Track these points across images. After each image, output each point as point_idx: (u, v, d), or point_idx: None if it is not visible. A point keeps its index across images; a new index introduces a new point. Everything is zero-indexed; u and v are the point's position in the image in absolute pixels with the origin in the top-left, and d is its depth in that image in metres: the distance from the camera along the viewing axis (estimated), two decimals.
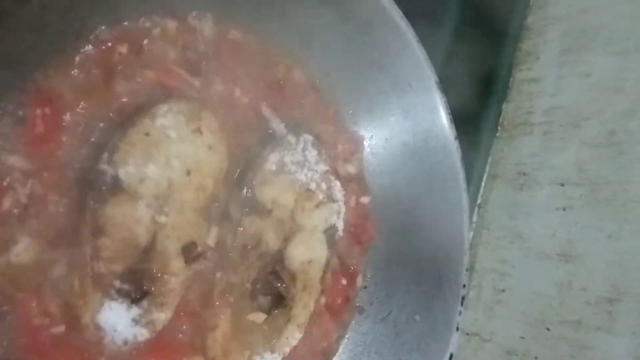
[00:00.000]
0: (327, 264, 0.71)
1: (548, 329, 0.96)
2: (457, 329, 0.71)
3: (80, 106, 0.55)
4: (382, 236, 0.77)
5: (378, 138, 0.77)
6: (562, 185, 1.05)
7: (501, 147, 1.19)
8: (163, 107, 0.59)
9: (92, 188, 0.54)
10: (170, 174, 0.58)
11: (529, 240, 1.06)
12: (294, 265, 0.67)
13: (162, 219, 0.57)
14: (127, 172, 0.55)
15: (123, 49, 0.58)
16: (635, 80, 1.02)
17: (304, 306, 0.69)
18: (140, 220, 0.56)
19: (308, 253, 0.68)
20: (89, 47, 0.56)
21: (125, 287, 0.55)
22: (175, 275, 0.59)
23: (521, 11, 1.24)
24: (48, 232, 0.52)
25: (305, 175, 0.69)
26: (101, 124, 0.56)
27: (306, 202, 0.69)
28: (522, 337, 0.99)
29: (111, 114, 0.56)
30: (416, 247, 0.74)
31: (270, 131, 0.69)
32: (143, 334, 0.57)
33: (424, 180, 0.75)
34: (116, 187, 0.54)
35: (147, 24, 0.59)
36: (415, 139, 0.76)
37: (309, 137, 0.71)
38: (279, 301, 0.67)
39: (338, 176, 0.73)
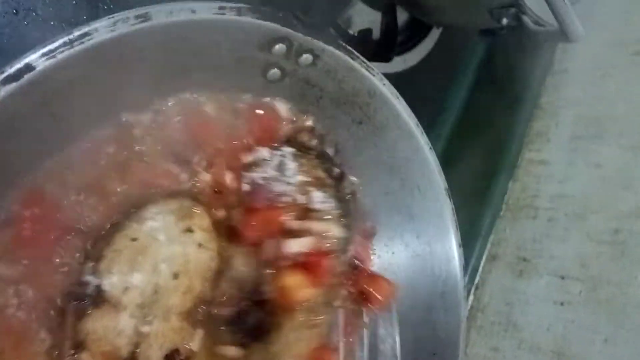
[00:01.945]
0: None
1: None
2: None
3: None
4: (374, 339, 0.75)
5: (381, 236, 0.76)
6: (562, 278, 1.04)
7: (504, 227, 1.18)
8: (152, 209, 0.56)
9: (74, 301, 0.52)
10: (157, 279, 0.54)
11: (523, 331, 1.04)
12: (276, 293, 0.63)
13: (146, 328, 0.54)
14: (111, 282, 0.52)
15: (110, 148, 0.56)
16: None
17: (287, 343, 0.64)
18: (122, 332, 0.53)
19: (293, 280, 0.63)
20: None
21: None
22: None
23: (536, 89, 1.23)
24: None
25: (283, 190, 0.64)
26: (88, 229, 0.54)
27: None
28: None
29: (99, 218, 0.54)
30: (409, 354, 0.73)
31: None
32: None
33: (425, 284, 0.74)
34: (99, 298, 0.52)
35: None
36: (419, 242, 0.75)
37: (288, 150, 0.66)
38: (259, 334, 0.62)
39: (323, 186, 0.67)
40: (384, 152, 0.71)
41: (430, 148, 0.70)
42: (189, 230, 0.57)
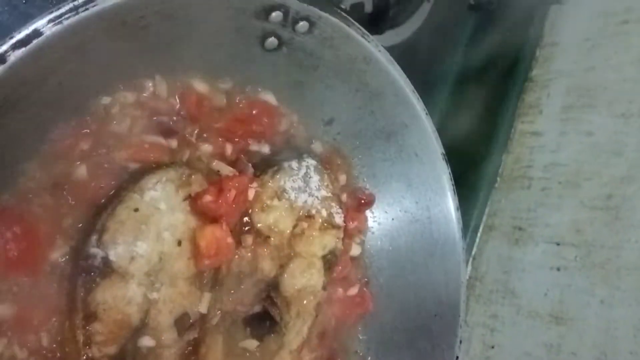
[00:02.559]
0: (324, 289, 0.70)
1: None
2: None
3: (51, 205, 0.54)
4: (378, 301, 0.76)
5: (380, 202, 0.77)
6: (558, 244, 1.05)
7: (499, 199, 1.19)
8: (152, 179, 0.57)
9: (82, 274, 0.53)
10: (161, 247, 0.56)
11: (521, 298, 1.06)
12: (289, 292, 0.67)
13: (154, 295, 0.56)
14: (117, 252, 0.53)
15: (85, 145, 0.56)
16: (636, 145, 1.03)
17: (297, 333, 0.68)
18: (132, 300, 0.54)
19: (304, 280, 0.67)
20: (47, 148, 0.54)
21: None
22: (169, 347, 0.58)
23: (527, 63, 1.25)
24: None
25: (306, 201, 0.67)
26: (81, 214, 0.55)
27: (305, 229, 0.67)
28: None
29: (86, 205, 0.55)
30: (412, 315, 0.75)
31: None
32: None
33: (424, 248, 0.76)
34: (107, 269, 0.53)
35: (105, 103, 0.58)
36: (418, 207, 0.76)
37: (311, 162, 0.69)
38: (272, 327, 0.66)
39: (340, 202, 0.72)
40: (381, 119, 0.72)
41: (427, 114, 0.71)
42: (189, 197, 0.59)
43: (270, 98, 0.70)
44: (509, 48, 1.22)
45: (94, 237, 0.53)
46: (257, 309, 0.65)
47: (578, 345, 0.94)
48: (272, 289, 0.65)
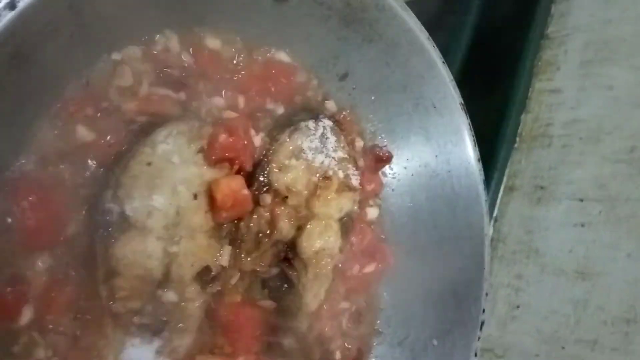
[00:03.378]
0: (341, 252, 0.69)
1: (563, 348, 0.96)
2: (476, 355, 0.70)
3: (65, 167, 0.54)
4: (400, 258, 0.76)
5: (399, 158, 0.76)
6: (581, 200, 1.04)
7: (519, 159, 1.17)
8: (162, 132, 0.56)
9: (99, 230, 0.52)
10: (178, 201, 0.56)
11: (545, 256, 1.05)
12: (306, 253, 0.66)
13: (174, 248, 0.55)
14: (133, 207, 0.53)
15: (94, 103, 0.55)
16: None
17: (314, 295, 0.67)
18: (152, 255, 0.54)
19: (322, 242, 0.66)
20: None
21: (145, 321, 0.54)
22: (192, 301, 0.58)
23: (542, 19, 1.22)
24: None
25: (323, 162, 0.66)
26: (89, 172, 0.55)
27: (322, 190, 0.66)
28: (537, 355, 0.98)
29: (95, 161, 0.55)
30: (436, 270, 0.74)
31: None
32: None
33: (445, 202, 0.75)
34: (124, 224, 0.53)
35: (115, 58, 0.57)
36: (437, 160, 0.75)
37: (328, 123, 0.68)
38: (290, 289, 0.66)
39: (356, 164, 0.71)
40: (397, 70, 0.71)
41: (444, 62, 0.70)
42: (202, 150, 0.58)
43: (283, 56, 0.68)
44: (524, 4, 1.19)
45: (109, 193, 0.53)
46: (274, 270, 0.65)
47: (605, 299, 0.93)
48: (289, 251, 0.65)
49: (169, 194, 0.55)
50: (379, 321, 0.75)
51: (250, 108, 0.65)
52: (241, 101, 0.63)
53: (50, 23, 0.46)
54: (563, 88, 1.15)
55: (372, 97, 0.73)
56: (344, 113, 0.73)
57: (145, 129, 0.56)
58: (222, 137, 0.57)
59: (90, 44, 0.52)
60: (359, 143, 0.74)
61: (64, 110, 0.53)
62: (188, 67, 0.60)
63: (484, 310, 0.71)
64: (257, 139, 0.64)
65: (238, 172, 0.60)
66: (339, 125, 0.70)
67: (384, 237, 0.75)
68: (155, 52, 0.57)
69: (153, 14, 0.56)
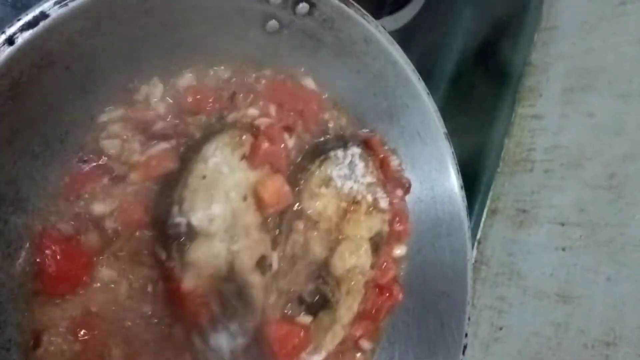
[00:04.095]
0: (372, 268, 0.73)
1: None
2: None
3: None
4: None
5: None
6: (562, 224, 1.06)
7: (502, 182, 1.20)
8: (211, 147, 0.61)
9: (174, 242, 0.57)
10: (231, 205, 0.60)
11: (527, 279, 1.07)
12: (339, 272, 0.69)
13: (235, 247, 0.60)
14: (197, 217, 0.57)
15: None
16: (637, 124, 1.04)
17: (347, 308, 0.71)
18: (218, 255, 0.58)
19: (353, 260, 0.70)
20: None
21: (218, 311, 0.58)
22: (256, 287, 0.61)
23: (525, 48, 1.26)
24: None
25: (352, 187, 0.70)
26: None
27: (352, 214, 0.70)
28: None
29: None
30: (420, 294, 0.75)
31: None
32: (241, 343, 0.60)
33: (429, 227, 0.77)
34: (192, 233, 0.57)
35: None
36: (422, 187, 0.77)
37: (356, 150, 0.72)
38: (325, 304, 0.69)
39: (384, 187, 0.74)
40: (383, 100, 0.73)
41: (428, 94, 0.72)
42: (245, 156, 0.63)
43: (309, 82, 0.72)
44: (508, 32, 1.23)
45: (175, 208, 0.57)
46: (310, 288, 0.68)
47: (586, 322, 0.95)
48: (323, 270, 0.69)
49: (224, 201, 0.59)
50: (363, 344, 0.76)
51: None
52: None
53: (48, 56, 0.47)
54: (545, 114, 1.18)
55: (360, 124, 0.75)
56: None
57: (192, 147, 0.61)
58: (265, 145, 0.63)
59: (89, 74, 0.53)
60: (395, 161, 0.77)
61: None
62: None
63: (466, 334, 0.73)
64: (291, 142, 0.69)
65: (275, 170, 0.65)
66: (367, 150, 0.73)
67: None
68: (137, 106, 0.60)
69: (144, 49, 0.57)
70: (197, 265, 0.57)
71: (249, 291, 0.62)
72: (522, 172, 1.17)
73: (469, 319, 0.73)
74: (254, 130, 0.64)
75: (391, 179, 0.76)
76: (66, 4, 0.45)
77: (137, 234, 0.58)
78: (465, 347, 0.73)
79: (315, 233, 0.68)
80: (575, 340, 0.96)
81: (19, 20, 0.43)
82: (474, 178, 1.19)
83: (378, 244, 0.73)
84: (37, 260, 0.52)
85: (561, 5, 1.28)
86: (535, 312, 1.03)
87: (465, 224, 0.74)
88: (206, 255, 0.58)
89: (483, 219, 1.18)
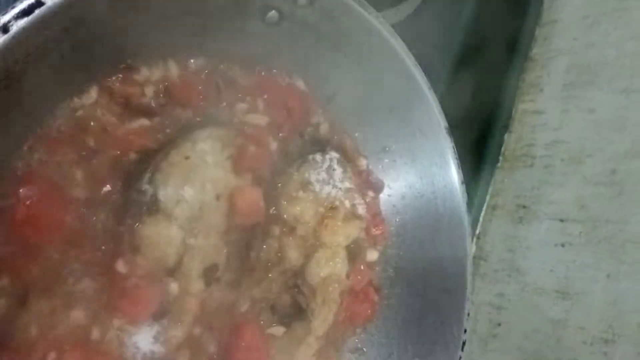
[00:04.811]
0: (348, 278, 0.71)
1: None
2: None
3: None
4: (384, 277, 0.76)
5: (385, 179, 0.77)
6: (562, 221, 1.05)
7: (502, 178, 1.19)
8: (204, 132, 0.60)
9: (132, 207, 0.56)
10: (203, 197, 0.59)
11: (527, 275, 1.06)
12: (315, 280, 0.68)
13: (191, 240, 0.58)
14: (165, 192, 0.56)
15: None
16: (638, 120, 1.03)
17: (323, 319, 0.69)
18: (172, 241, 0.57)
19: (329, 269, 0.69)
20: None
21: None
22: (195, 296, 0.59)
23: (526, 42, 1.25)
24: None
25: (330, 192, 0.69)
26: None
27: (330, 220, 0.69)
28: None
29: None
30: (419, 290, 0.75)
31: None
32: (160, 351, 0.58)
33: (430, 222, 0.76)
34: (154, 207, 0.56)
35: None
36: (422, 182, 0.76)
37: (335, 155, 0.71)
38: (299, 314, 0.68)
39: (362, 194, 0.74)
40: (384, 94, 0.72)
41: (429, 87, 0.71)
42: (231, 157, 0.62)
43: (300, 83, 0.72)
44: (508, 26, 1.21)
45: (147, 175, 0.56)
46: (284, 296, 0.67)
47: (585, 319, 0.95)
48: (298, 278, 0.67)
49: (198, 189, 0.58)
50: (361, 339, 0.75)
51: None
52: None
53: (43, 45, 0.46)
54: (546, 109, 1.17)
55: (359, 119, 0.74)
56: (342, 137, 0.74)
57: (190, 126, 0.61)
58: (251, 149, 0.62)
59: (84, 65, 0.52)
60: (363, 162, 0.76)
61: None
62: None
63: (465, 330, 0.72)
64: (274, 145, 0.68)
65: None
66: (344, 155, 0.73)
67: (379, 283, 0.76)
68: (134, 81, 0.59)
69: (144, 40, 0.56)
70: (145, 243, 0.55)
71: (186, 297, 0.59)
72: (523, 167, 1.17)
73: (468, 315, 0.72)
74: (243, 131, 0.63)
75: (363, 180, 0.75)
76: None
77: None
78: (464, 343, 0.72)
79: (291, 239, 0.67)
80: (574, 337, 0.95)
81: (13, 7, 0.42)
82: (474, 172, 1.18)
83: (354, 252, 0.72)
84: None
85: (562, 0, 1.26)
86: (534, 308, 1.02)
87: (465, 219, 0.74)
88: (159, 236, 0.56)
89: (482, 214, 1.18)
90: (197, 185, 0.58)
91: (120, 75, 0.59)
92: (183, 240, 0.57)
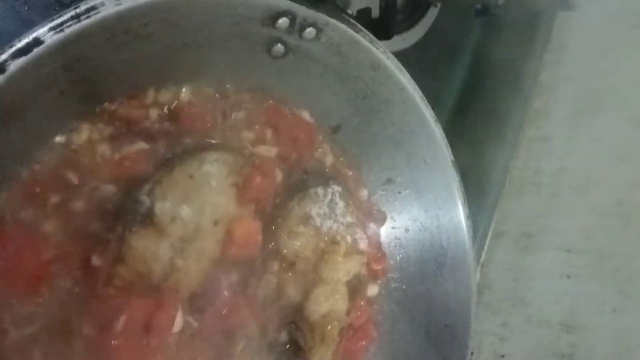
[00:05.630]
0: (348, 315, 0.70)
1: None
2: None
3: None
4: (387, 312, 0.75)
5: (389, 211, 0.76)
6: (568, 251, 1.04)
7: (507, 204, 1.18)
8: (213, 155, 0.58)
9: (124, 215, 0.54)
10: (200, 219, 0.56)
11: (531, 306, 1.05)
12: (313, 317, 0.66)
13: (180, 262, 0.55)
14: (163, 207, 0.54)
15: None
16: None
17: (320, 358, 0.67)
18: (159, 258, 0.54)
19: (329, 305, 0.67)
20: None
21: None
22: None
23: (534, 67, 1.24)
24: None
25: (331, 227, 0.67)
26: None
27: (330, 255, 0.67)
28: None
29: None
30: (422, 326, 0.73)
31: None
32: None
33: (433, 258, 0.75)
34: (148, 219, 0.54)
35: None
36: (427, 215, 0.75)
37: (337, 188, 0.69)
38: (296, 352, 0.66)
39: (364, 228, 0.72)
40: (390, 126, 0.71)
41: (436, 120, 0.70)
42: (236, 185, 0.59)
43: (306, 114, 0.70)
44: (516, 53, 1.21)
45: (147, 186, 0.54)
46: (282, 334, 0.66)
47: (590, 354, 0.93)
48: (296, 314, 0.66)
49: (196, 210, 0.56)
50: None
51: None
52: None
53: (41, 83, 0.45)
54: (553, 136, 1.16)
55: (364, 150, 0.73)
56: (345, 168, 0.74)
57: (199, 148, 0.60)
58: (258, 180, 0.60)
59: (84, 99, 0.51)
60: (365, 193, 0.75)
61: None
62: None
63: None
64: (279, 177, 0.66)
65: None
66: (347, 187, 0.71)
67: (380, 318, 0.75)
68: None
69: (145, 71, 0.55)
70: (131, 254, 0.53)
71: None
72: (529, 194, 1.16)
73: (471, 354, 0.71)
74: (252, 161, 0.62)
75: (365, 212, 0.74)
76: (62, 30, 0.43)
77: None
78: None
79: (290, 274, 0.64)
80: None
81: (11, 47, 0.41)
82: (479, 199, 1.17)
83: (355, 287, 0.70)
84: None
85: (572, 26, 1.26)
86: (538, 341, 1.00)
87: (470, 255, 0.72)
88: (147, 250, 0.53)
89: (487, 241, 1.16)
90: (196, 206, 0.56)
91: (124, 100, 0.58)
92: (171, 259, 0.55)
